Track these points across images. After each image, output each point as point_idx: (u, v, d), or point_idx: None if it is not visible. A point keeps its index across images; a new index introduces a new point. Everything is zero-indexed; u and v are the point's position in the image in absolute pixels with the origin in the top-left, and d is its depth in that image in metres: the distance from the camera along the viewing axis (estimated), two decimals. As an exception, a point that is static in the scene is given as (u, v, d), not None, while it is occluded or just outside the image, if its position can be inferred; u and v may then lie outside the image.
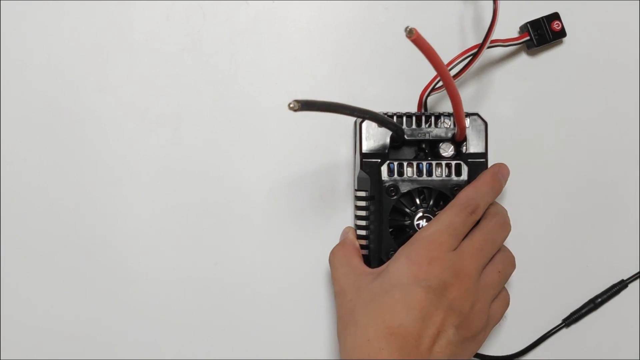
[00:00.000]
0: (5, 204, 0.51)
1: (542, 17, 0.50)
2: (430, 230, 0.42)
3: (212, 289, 0.51)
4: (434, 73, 0.50)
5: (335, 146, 0.51)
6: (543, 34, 0.50)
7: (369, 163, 0.46)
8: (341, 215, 0.51)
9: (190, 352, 0.51)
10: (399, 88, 0.51)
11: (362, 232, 0.47)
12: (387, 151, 0.46)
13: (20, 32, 0.51)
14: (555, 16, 0.50)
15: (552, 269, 0.51)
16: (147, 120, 0.51)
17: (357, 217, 0.48)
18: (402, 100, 0.51)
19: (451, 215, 0.42)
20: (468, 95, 0.51)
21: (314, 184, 0.51)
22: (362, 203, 0.47)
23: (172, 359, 0.51)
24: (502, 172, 0.46)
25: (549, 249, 0.51)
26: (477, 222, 0.43)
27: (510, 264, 0.44)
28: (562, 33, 0.50)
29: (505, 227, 0.44)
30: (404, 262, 0.41)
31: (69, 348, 0.51)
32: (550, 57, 0.52)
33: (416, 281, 0.39)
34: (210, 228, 0.51)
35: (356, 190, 0.48)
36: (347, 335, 0.40)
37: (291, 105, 0.35)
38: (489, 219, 0.44)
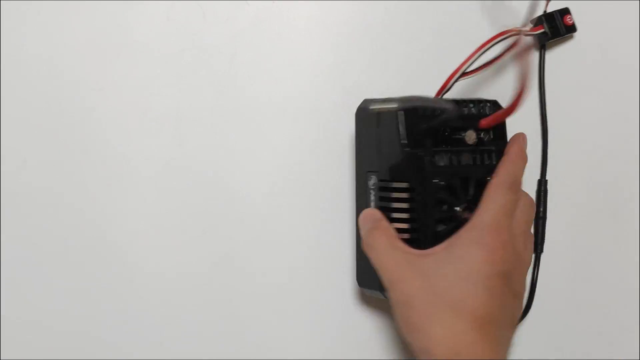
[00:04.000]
0: (5, 204, 0.51)
1: (555, 11, 0.51)
2: (490, 215, 0.41)
3: (213, 288, 0.51)
4: (433, 72, 0.50)
5: (336, 144, 0.51)
6: (556, 27, 0.51)
7: (408, 153, 0.44)
8: (342, 213, 0.51)
9: (190, 351, 0.51)
10: (399, 87, 0.51)
11: (404, 226, 0.44)
12: (420, 140, 0.45)
13: (20, 32, 0.50)
14: (566, 11, 0.51)
15: (559, 263, 0.52)
16: (147, 120, 0.51)
17: (395, 210, 0.45)
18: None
19: (502, 195, 0.42)
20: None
21: (315, 183, 0.51)
22: (403, 195, 0.44)
23: (172, 359, 0.51)
24: (525, 141, 0.46)
25: (556, 244, 0.52)
26: None
27: (533, 210, 0.45)
28: (573, 27, 0.51)
29: (533, 204, 0.45)
30: (477, 248, 0.40)
31: (70, 348, 0.51)
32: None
33: (493, 267, 0.39)
34: (211, 227, 0.51)
35: (390, 181, 0.45)
36: (427, 327, 0.39)
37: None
38: (523, 198, 0.44)
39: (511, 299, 0.40)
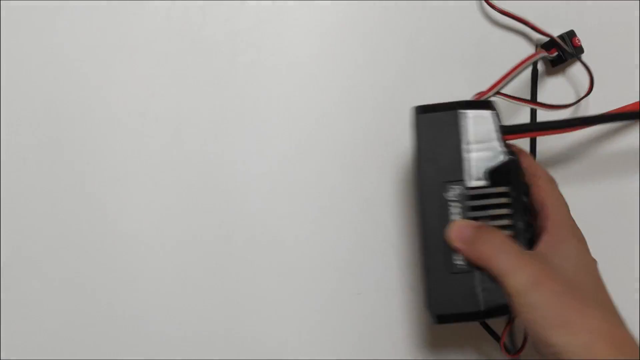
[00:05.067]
0: (4, 204, 0.51)
1: (563, 34, 0.50)
2: (565, 210, 0.44)
3: (214, 289, 0.51)
4: (433, 72, 0.50)
5: (336, 144, 0.51)
6: (565, 49, 0.50)
7: (509, 154, 0.43)
8: (342, 214, 0.51)
9: (189, 353, 0.51)
10: (399, 88, 0.51)
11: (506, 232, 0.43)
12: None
13: (20, 32, 0.51)
14: (573, 33, 0.50)
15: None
16: (147, 120, 0.51)
17: (495, 218, 0.43)
18: (402, 99, 0.51)
19: (556, 189, 0.44)
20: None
21: (314, 184, 0.51)
22: (503, 200, 0.43)
23: (173, 359, 0.51)
24: None
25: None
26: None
27: None
28: (581, 49, 0.50)
29: None
30: (577, 242, 0.43)
31: (70, 348, 0.51)
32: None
33: (590, 256, 0.43)
34: (211, 227, 0.51)
35: (487, 187, 0.43)
36: (581, 319, 0.39)
37: None
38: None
39: None
